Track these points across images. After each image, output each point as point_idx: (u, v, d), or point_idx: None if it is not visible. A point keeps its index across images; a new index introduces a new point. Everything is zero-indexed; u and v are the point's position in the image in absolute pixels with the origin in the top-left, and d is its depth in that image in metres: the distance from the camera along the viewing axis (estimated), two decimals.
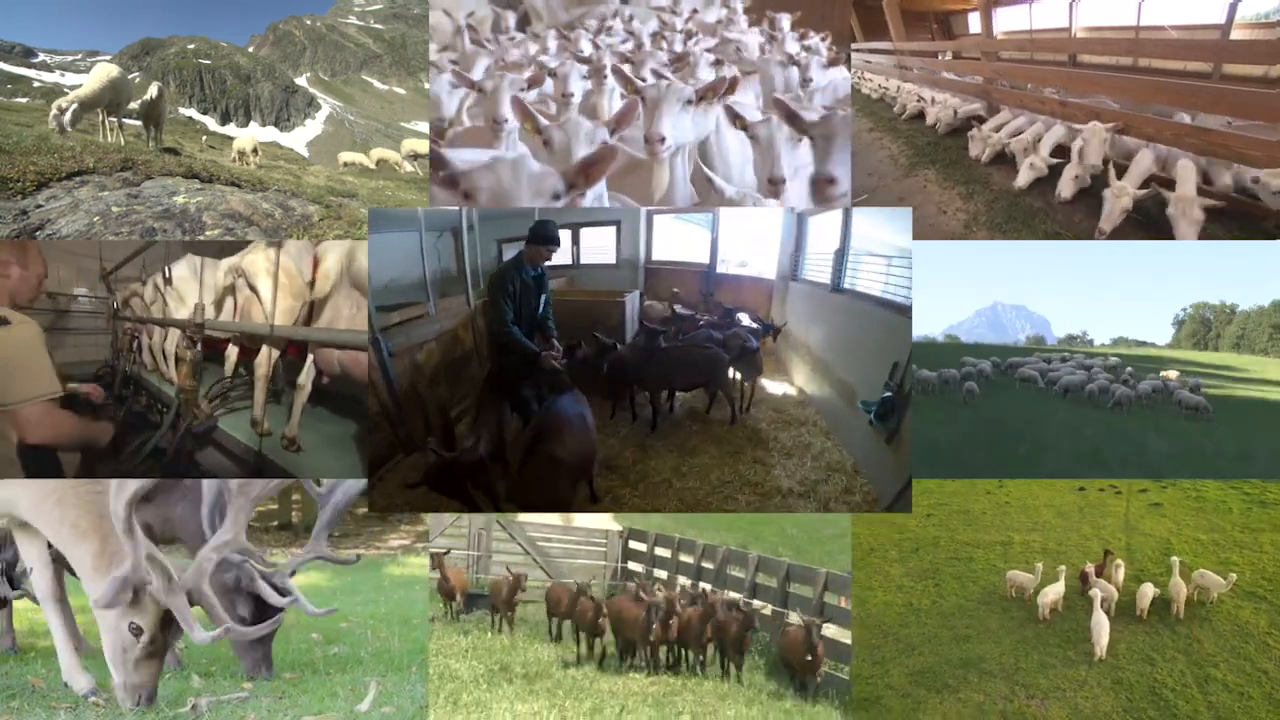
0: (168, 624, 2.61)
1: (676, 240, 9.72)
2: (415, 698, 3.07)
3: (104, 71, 7.78)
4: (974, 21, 8.50)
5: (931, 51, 8.60)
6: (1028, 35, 7.14)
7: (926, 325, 7.29)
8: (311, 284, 4.18)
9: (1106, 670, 3.53)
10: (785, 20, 7.29)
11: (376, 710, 2.90)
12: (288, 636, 3.41)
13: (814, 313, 7.08)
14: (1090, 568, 4.13)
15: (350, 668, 3.42)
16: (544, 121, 3.60)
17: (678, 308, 8.00)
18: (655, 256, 9.76)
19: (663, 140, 3.61)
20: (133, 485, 2.52)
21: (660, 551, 6.10)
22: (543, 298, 4.55)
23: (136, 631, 2.58)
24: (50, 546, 2.92)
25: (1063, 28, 6.69)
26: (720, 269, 9.47)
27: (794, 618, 4.23)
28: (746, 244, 9.46)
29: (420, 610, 4.55)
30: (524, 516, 5.95)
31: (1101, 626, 3.61)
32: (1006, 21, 7.69)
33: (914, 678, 3.68)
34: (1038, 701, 3.37)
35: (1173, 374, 8.12)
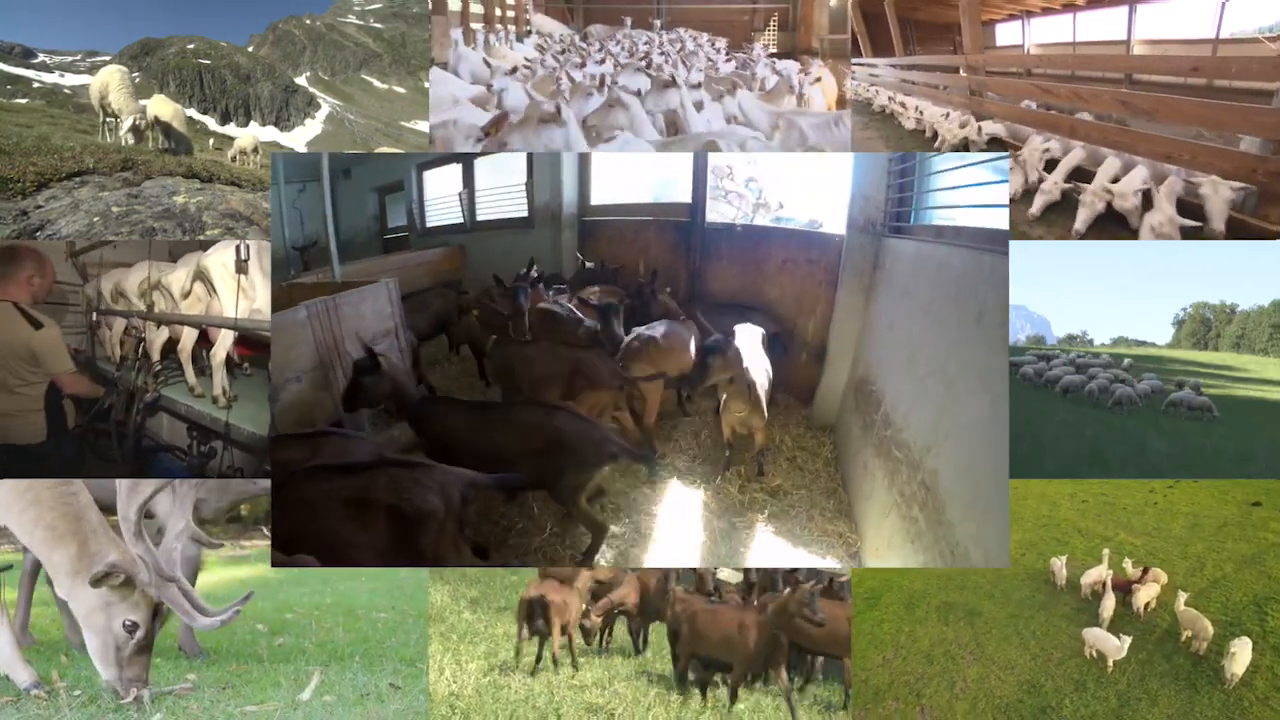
0: (156, 615, 2.71)
1: (634, 168, 5.32)
2: (357, 686, 3.11)
3: (119, 74, 7.90)
4: (1002, 33, 7.81)
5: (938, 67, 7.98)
6: (1071, 48, 6.53)
7: None
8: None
9: (1035, 670, 3.46)
10: (704, 37, 10.41)
11: (318, 699, 2.94)
12: (233, 628, 3.42)
13: (949, 321, 3.25)
14: (1109, 577, 3.90)
15: (294, 658, 3.47)
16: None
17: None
18: (596, 199, 5.72)
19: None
20: (147, 488, 2.66)
21: None
22: None
23: (131, 628, 2.65)
24: None
25: (1119, 40, 5.87)
26: (716, 215, 4.92)
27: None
28: (767, 159, 4.85)
29: (364, 601, 4.53)
30: None
31: (1092, 634, 3.55)
32: (1042, 33, 7.06)
33: (937, 606, 3.97)
34: (970, 659, 3.53)
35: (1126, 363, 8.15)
